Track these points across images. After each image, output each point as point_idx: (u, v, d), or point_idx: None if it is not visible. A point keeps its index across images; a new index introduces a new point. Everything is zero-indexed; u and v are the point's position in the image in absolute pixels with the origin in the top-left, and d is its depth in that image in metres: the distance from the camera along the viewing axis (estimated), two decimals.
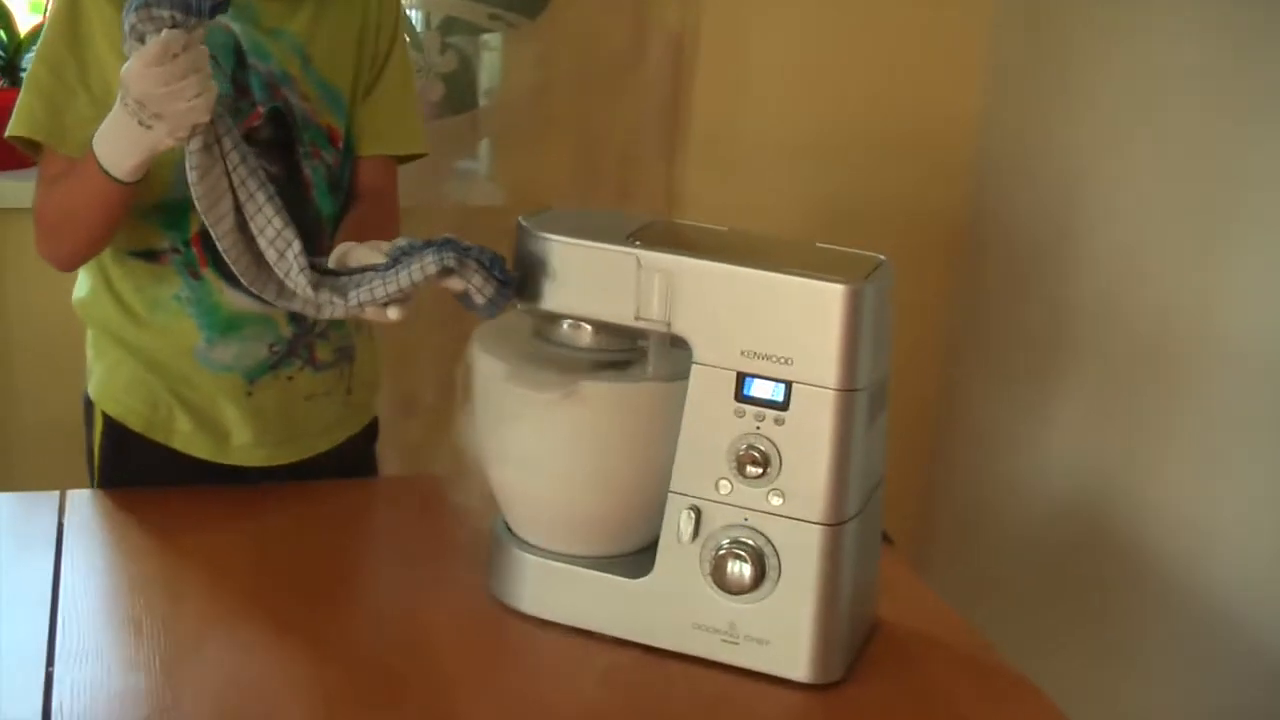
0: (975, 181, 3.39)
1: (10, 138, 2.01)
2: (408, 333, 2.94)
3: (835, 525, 1.72)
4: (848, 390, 1.70)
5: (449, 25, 3.00)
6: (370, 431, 2.36)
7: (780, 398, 1.71)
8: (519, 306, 1.85)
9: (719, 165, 3.19)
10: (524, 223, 1.83)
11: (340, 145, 2.14)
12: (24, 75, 2.06)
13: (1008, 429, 3.29)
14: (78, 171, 1.93)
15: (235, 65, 2.03)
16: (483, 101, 3.10)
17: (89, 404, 2.21)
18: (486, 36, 3.07)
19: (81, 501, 2.12)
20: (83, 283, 2.16)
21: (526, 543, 1.88)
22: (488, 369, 1.84)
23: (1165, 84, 2.82)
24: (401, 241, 1.85)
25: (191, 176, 1.77)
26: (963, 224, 3.41)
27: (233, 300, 2.09)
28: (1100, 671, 2.94)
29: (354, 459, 2.31)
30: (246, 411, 2.16)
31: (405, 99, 2.24)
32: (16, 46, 2.91)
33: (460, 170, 3.13)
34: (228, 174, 1.79)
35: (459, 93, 3.04)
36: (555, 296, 1.80)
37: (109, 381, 2.17)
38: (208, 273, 2.08)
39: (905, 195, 3.30)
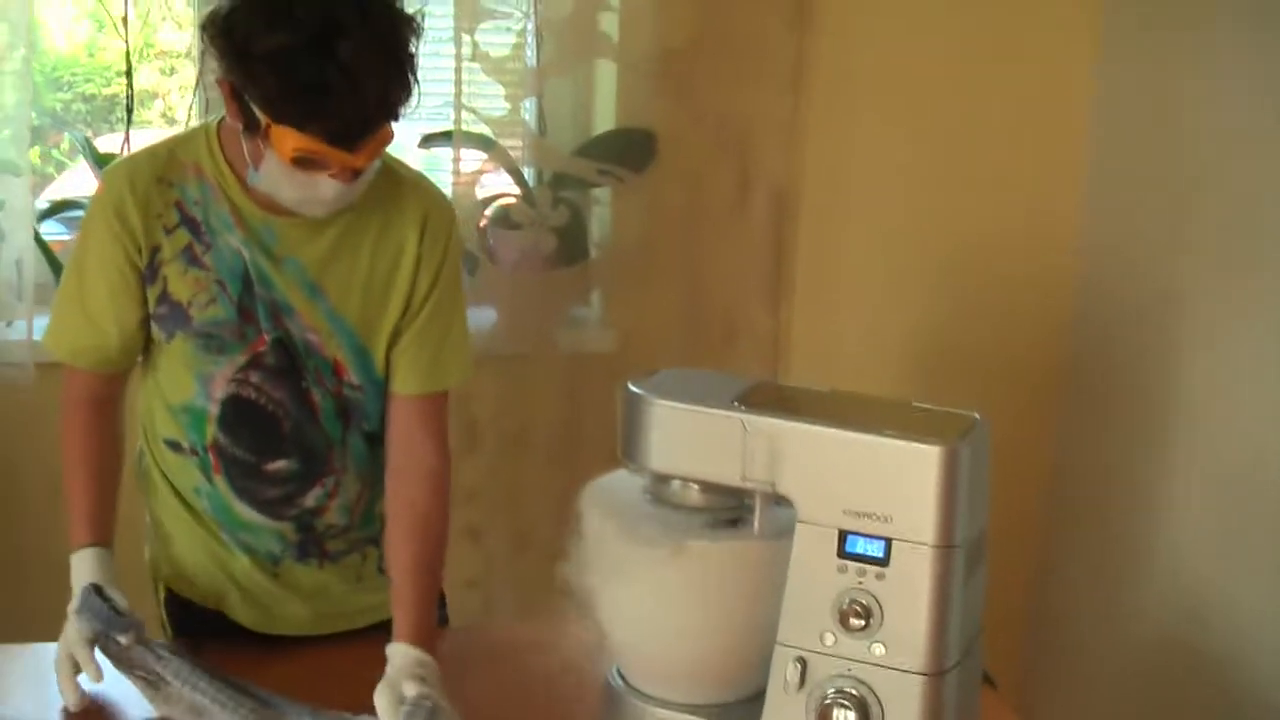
0: (1076, 322, 3.45)
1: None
2: (521, 474, 3.10)
3: (936, 675, 1.79)
4: (946, 547, 1.77)
5: (559, 181, 3.12)
6: None
7: (881, 554, 1.79)
8: (629, 466, 1.94)
9: (823, 310, 3.27)
10: (634, 387, 1.91)
11: (347, 378, 2.17)
12: None
13: (1107, 567, 3.33)
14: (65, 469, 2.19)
15: (242, 290, 2.10)
16: (593, 252, 3.21)
17: (155, 571, 2.34)
18: (596, 191, 3.19)
19: None
20: (142, 458, 2.30)
21: (640, 691, 1.96)
22: (600, 525, 1.92)
23: (1262, 222, 2.90)
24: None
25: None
26: (1063, 362, 3.47)
27: (241, 510, 2.21)
28: None
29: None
30: (283, 587, 2.26)
31: (445, 334, 2.21)
32: None
33: (571, 319, 3.23)
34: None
35: (571, 244, 3.14)
36: (664, 457, 1.89)
37: (163, 551, 2.30)
38: (219, 480, 2.19)
39: (1004, 336, 3.36)
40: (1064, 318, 3.45)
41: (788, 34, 3.11)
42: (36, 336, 2.91)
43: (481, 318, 2.64)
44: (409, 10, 1.96)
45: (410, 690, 1.97)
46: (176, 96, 3.57)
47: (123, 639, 2.04)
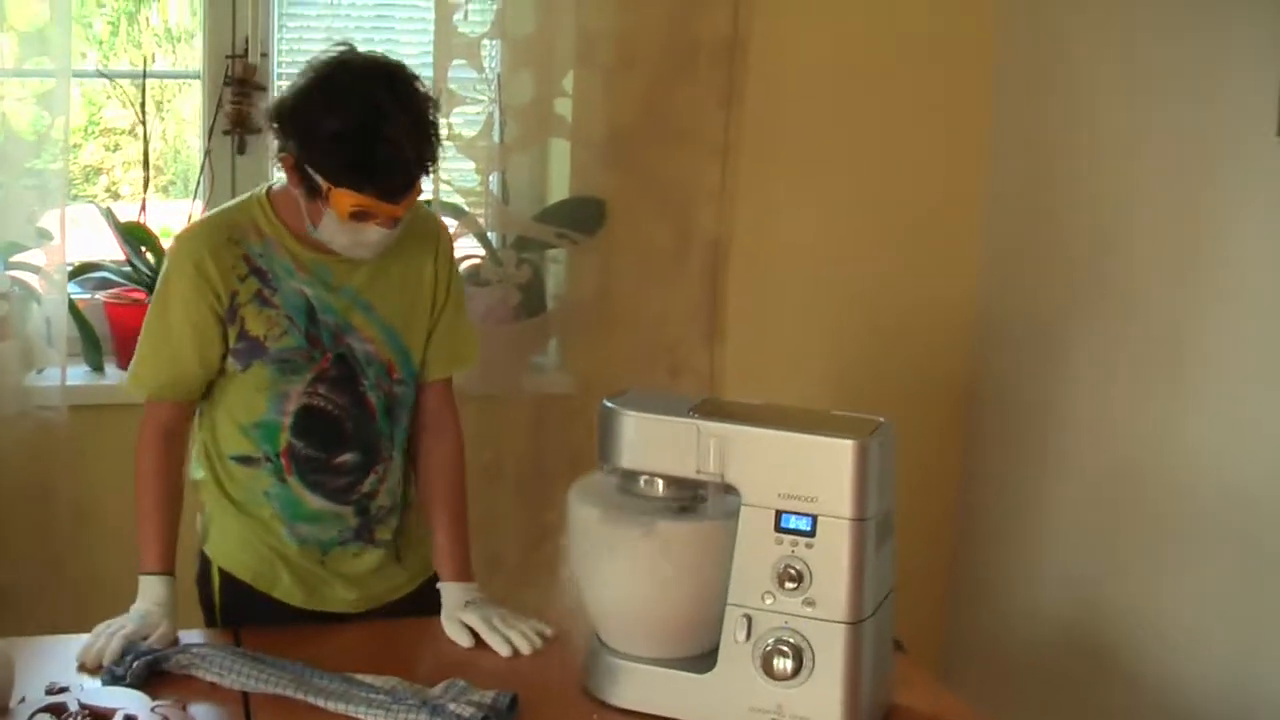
0: (973, 348, 3.75)
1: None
2: (493, 503, 3.36)
3: (855, 623, 2.19)
4: (860, 520, 2.18)
5: (521, 243, 3.40)
6: (433, 582, 2.70)
7: (809, 528, 2.19)
8: (605, 468, 2.34)
9: (751, 344, 3.55)
10: (608, 403, 2.31)
11: (396, 375, 2.59)
12: None
13: (1009, 555, 3.65)
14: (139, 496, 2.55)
15: (308, 322, 2.53)
16: (551, 305, 3.48)
17: (205, 561, 2.67)
18: (553, 251, 3.46)
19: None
20: (198, 468, 2.66)
21: (615, 650, 2.34)
22: (584, 514, 2.32)
23: (1138, 257, 3.22)
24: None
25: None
26: (966, 384, 3.76)
27: (311, 501, 2.60)
28: None
29: (424, 605, 2.67)
30: (328, 572, 2.64)
31: (459, 326, 2.68)
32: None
33: (534, 365, 3.50)
34: None
35: (532, 299, 3.41)
36: (634, 458, 2.30)
37: (223, 543, 2.65)
38: (292, 479, 2.58)
39: (913, 363, 3.65)
40: (965, 346, 3.74)
41: (718, 111, 3.41)
42: (70, 382, 3.23)
43: None
44: (429, 90, 2.45)
45: (468, 604, 2.50)
46: (120, 171, 3.78)
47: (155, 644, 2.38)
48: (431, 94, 2.46)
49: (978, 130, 3.67)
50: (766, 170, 3.54)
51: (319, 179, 2.38)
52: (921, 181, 3.65)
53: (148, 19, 3.67)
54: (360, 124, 2.33)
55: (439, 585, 2.64)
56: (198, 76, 3.46)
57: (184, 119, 3.73)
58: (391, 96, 2.36)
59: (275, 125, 2.42)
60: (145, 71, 3.42)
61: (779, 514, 2.21)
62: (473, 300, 3.29)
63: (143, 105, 3.39)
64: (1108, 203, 3.32)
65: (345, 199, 2.37)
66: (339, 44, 2.45)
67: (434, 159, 2.45)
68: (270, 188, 2.57)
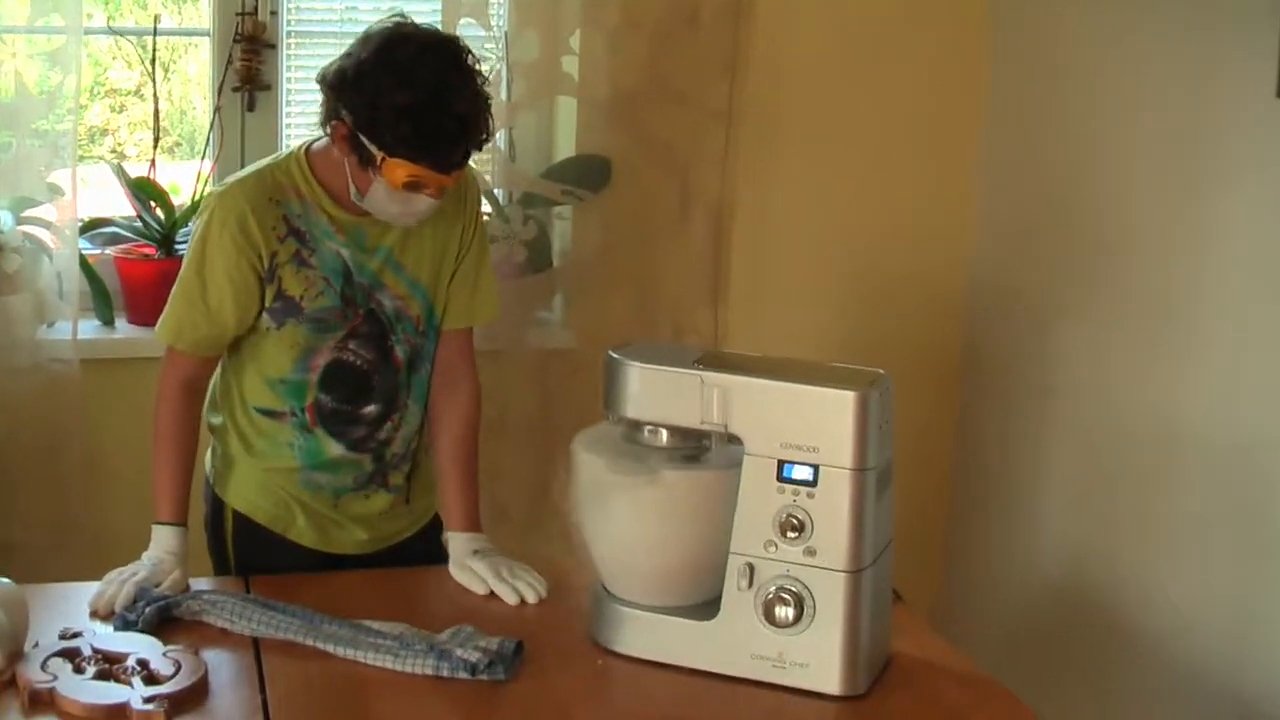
0: (970, 311, 3.78)
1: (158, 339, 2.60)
2: (498, 455, 3.42)
3: (855, 572, 2.23)
4: (861, 470, 2.22)
5: (528, 200, 3.42)
6: (435, 525, 2.78)
7: (811, 478, 2.23)
8: (610, 418, 2.38)
9: (753, 305, 3.58)
10: (614, 354, 2.35)
11: (422, 328, 2.63)
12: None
13: (1004, 513, 3.69)
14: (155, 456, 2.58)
15: (344, 283, 2.57)
16: (557, 262, 3.51)
17: (218, 504, 2.70)
18: (559, 208, 3.49)
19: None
20: (214, 413, 2.68)
21: (620, 598, 2.38)
22: (589, 463, 2.36)
23: (1134, 228, 3.24)
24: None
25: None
26: (962, 345, 3.79)
27: (333, 449, 2.65)
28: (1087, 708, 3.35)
29: (426, 548, 2.76)
30: (341, 515, 2.69)
31: (481, 277, 2.69)
32: (173, 223, 3.40)
33: (539, 320, 3.53)
34: None
35: (537, 255, 3.44)
36: (639, 408, 2.33)
37: (240, 485, 2.68)
38: (318, 430, 2.63)
39: (912, 324, 3.68)
40: (962, 308, 3.76)
41: (721, 75, 3.43)
42: (81, 336, 3.25)
43: None
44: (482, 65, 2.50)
45: (476, 552, 2.55)
46: (125, 133, 3.82)
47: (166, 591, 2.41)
48: (484, 73, 2.48)
49: (976, 96, 3.69)
50: (768, 134, 3.55)
51: (374, 149, 2.39)
52: (920, 146, 3.67)
53: None
54: (429, 98, 2.35)
55: (446, 535, 2.69)
56: (207, 34, 3.47)
57: (189, 79, 3.75)
58: (457, 71, 2.40)
59: (333, 94, 2.42)
60: (155, 29, 3.42)
61: (781, 464, 2.24)
62: None
63: (153, 62, 3.39)
64: (1105, 167, 3.33)
65: (400, 170, 2.39)
66: (393, 15, 2.48)
67: (490, 133, 2.47)
68: (309, 147, 2.58)
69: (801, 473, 2.23)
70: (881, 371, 2.32)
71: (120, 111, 3.77)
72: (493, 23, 3.36)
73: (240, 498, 2.69)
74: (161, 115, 3.48)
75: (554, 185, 3.47)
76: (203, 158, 3.42)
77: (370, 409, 2.64)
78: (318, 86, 2.46)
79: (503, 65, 3.37)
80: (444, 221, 2.61)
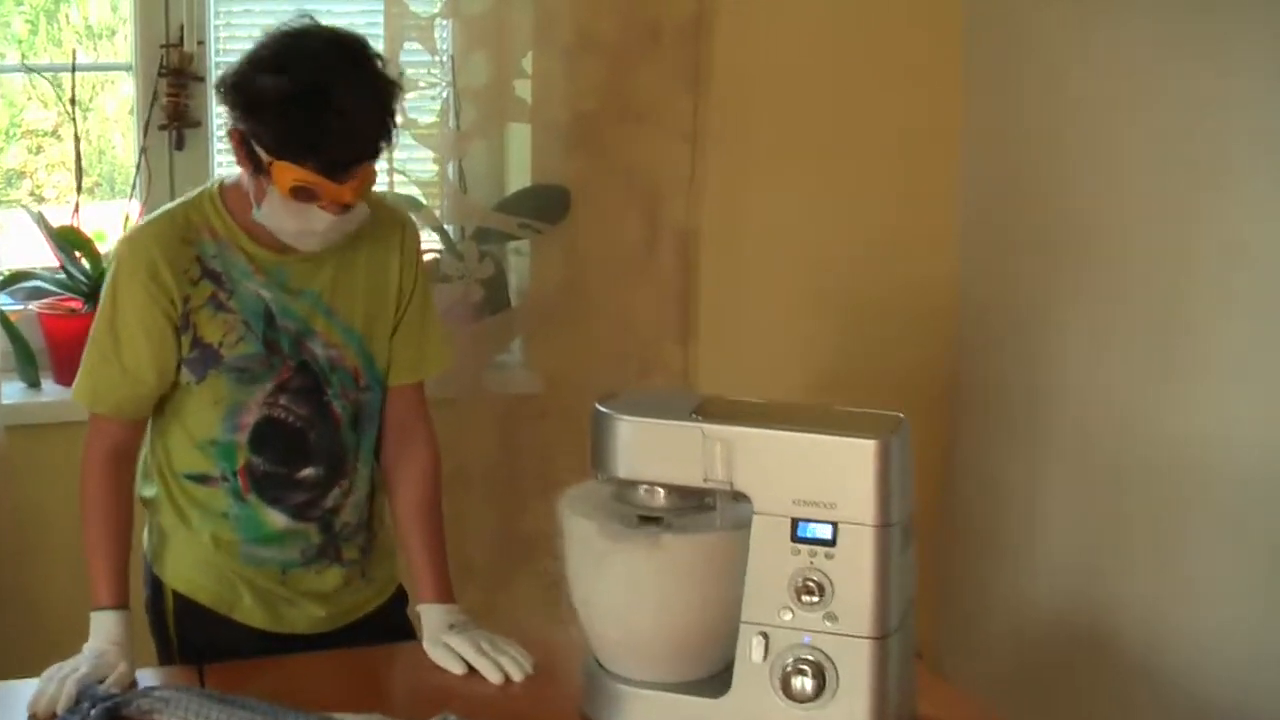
0: (956, 335, 3.67)
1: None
2: (460, 511, 3.24)
3: (881, 639, 2.05)
4: (884, 526, 2.03)
5: (482, 235, 3.27)
6: (399, 598, 2.63)
7: (829, 536, 2.04)
8: (599, 477, 2.18)
9: (726, 338, 3.44)
10: (601, 408, 2.15)
11: (363, 383, 2.47)
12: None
13: (996, 544, 3.57)
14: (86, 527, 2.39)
15: (266, 327, 2.39)
16: (515, 301, 3.36)
17: (157, 584, 2.51)
18: (516, 243, 3.35)
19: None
20: (147, 485, 2.50)
21: (617, 674, 2.18)
22: (579, 527, 2.15)
23: (1124, 235, 3.14)
24: None
25: None
26: (948, 373, 3.68)
27: (274, 519, 2.45)
28: None
29: (390, 622, 2.59)
30: (292, 591, 2.49)
31: (427, 327, 2.53)
32: (100, 273, 3.17)
33: (498, 364, 3.38)
34: None
35: (494, 294, 3.28)
36: (633, 466, 2.13)
37: (178, 563, 2.49)
38: (251, 497, 2.44)
39: (892, 356, 3.55)
40: (946, 332, 3.66)
41: (685, 93, 3.30)
42: (4, 400, 3.07)
43: None
44: (392, 74, 2.32)
45: (452, 627, 2.39)
46: (44, 174, 3.66)
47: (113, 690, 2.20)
48: (394, 78, 2.32)
49: (952, 107, 3.60)
50: (737, 156, 3.44)
51: (261, 152, 2.23)
52: (898, 163, 3.57)
53: (67, 16, 3.53)
54: (307, 88, 2.19)
55: (419, 608, 2.50)
56: (129, 69, 3.30)
57: (108, 117, 3.61)
58: (346, 64, 2.24)
59: (220, 96, 2.28)
60: (74, 65, 3.25)
61: (795, 522, 2.06)
62: None
63: (73, 101, 3.22)
64: (1092, 177, 3.24)
65: (286, 173, 2.22)
66: (300, 15, 2.31)
67: (388, 141, 2.29)
68: (223, 182, 2.42)
69: (818, 531, 2.06)
70: (900, 415, 2.15)
71: (38, 153, 3.64)
72: (438, 45, 3.22)
73: (179, 577, 2.50)
74: (81, 156, 3.35)
75: (509, 218, 3.33)
76: (130, 198, 3.25)
77: (309, 472, 2.45)
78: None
79: (450, 91, 3.24)
80: (376, 261, 2.45)
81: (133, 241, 2.39)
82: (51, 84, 3.34)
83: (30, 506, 3.11)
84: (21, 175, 3.66)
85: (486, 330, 3.31)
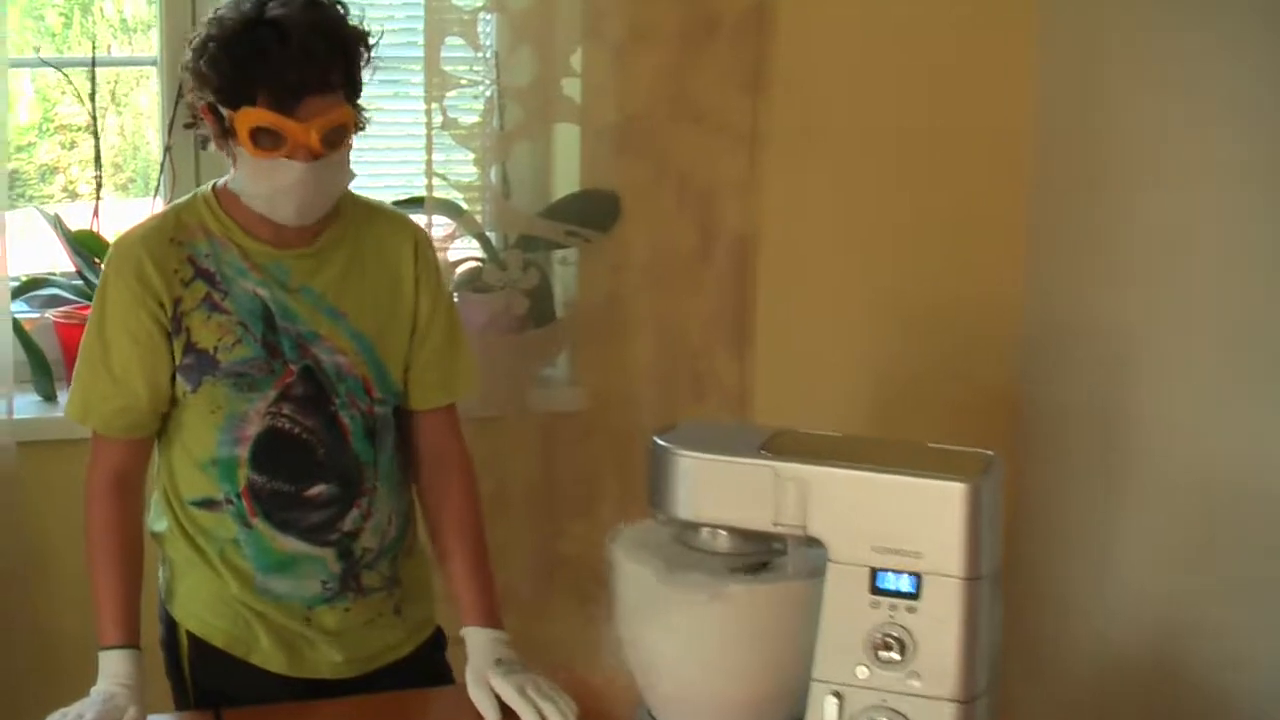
0: (1021, 354, 3.52)
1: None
2: (500, 533, 3.09)
3: (968, 701, 1.87)
4: (973, 578, 1.86)
5: (527, 243, 3.12)
6: (436, 641, 2.49)
7: (912, 588, 1.87)
8: (658, 517, 2.00)
9: (783, 353, 3.29)
10: (661, 441, 1.98)
11: (375, 394, 2.32)
12: None
13: (1068, 580, 3.40)
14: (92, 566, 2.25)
15: (265, 329, 2.24)
16: (561, 313, 3.21)
17: (171, 624, 2.37)
18: (562, 252, 3.20)
19: None
20: (158, 517, 2.35)
21: None
22: (634, 574, 1.98)
23: (1202, 253, 3.00)
24: None
25: None
26: (1010, 394, 3.52)
27: (284, 544, 2.29)
28: None
29: (426, 669, 2.45)
30: (315, 631, 2.33)
31: (454, 347, 2.42)
32: None
33: (542, 379, 3.23)
34: None
35: (539, 306, 3.14)
36: (696, 507, 1.96)
37: (191, 601, 2.34)
38: (257, 522, 2.28)
39: (956, 372, 3.40)
40: (1012, 351, 3.52)
41: (744, 92, 3.15)
42: (17, 415, 2.90)
43: None
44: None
45: (499, 663, 2.25)
46: (77, 170, 3.55)
47: None
48: (356, 22, 2.25)
49: (1024, 113, 3.43)
50: (798, 159, 3.27)
51: (222, 110, 2.16)
52: (965, 169, 3.40)
53: (101, 9, 3.42)
54: (246, 18, 2.14)
55: (463, 631, 2.35)
56: (154, 63, 3.14)
57: (141, 112, 3.51)
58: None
59: (185, 71, 2.21)
60: (94, 59, 3.08)
61: (874, 572, 1.90)
62: (473, 308, 3.08)
63: (92, 96, 3.06)
64: (1172, 190, 3.07)
65: (245, 119, 2.14)
66: None
67: (348, 80, 2.21)
68: (216, 183, 2.33)
69: (900, 582, 1.89)
70: (990, 454, 2.00)
71: (71, 148, 3.54)
72: (482, 41, 3.05)
73: (192, 616, 2.35)
74: (113, 150, 3.30)
75: (556, 225, 3.16)
76: (154, 197, 3.08)
77: (319, 490, 2.29)
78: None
79: (493, 90, 3.07)
80: (386, 261, 2.35)
81: (119, 246, 2.28)
82: (86, 78, 3.21)
83: (43, 528, 2.94)
84: (54, 170, 3.57)
85: (530, 344, 3.16)
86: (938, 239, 3.40)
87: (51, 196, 3.48)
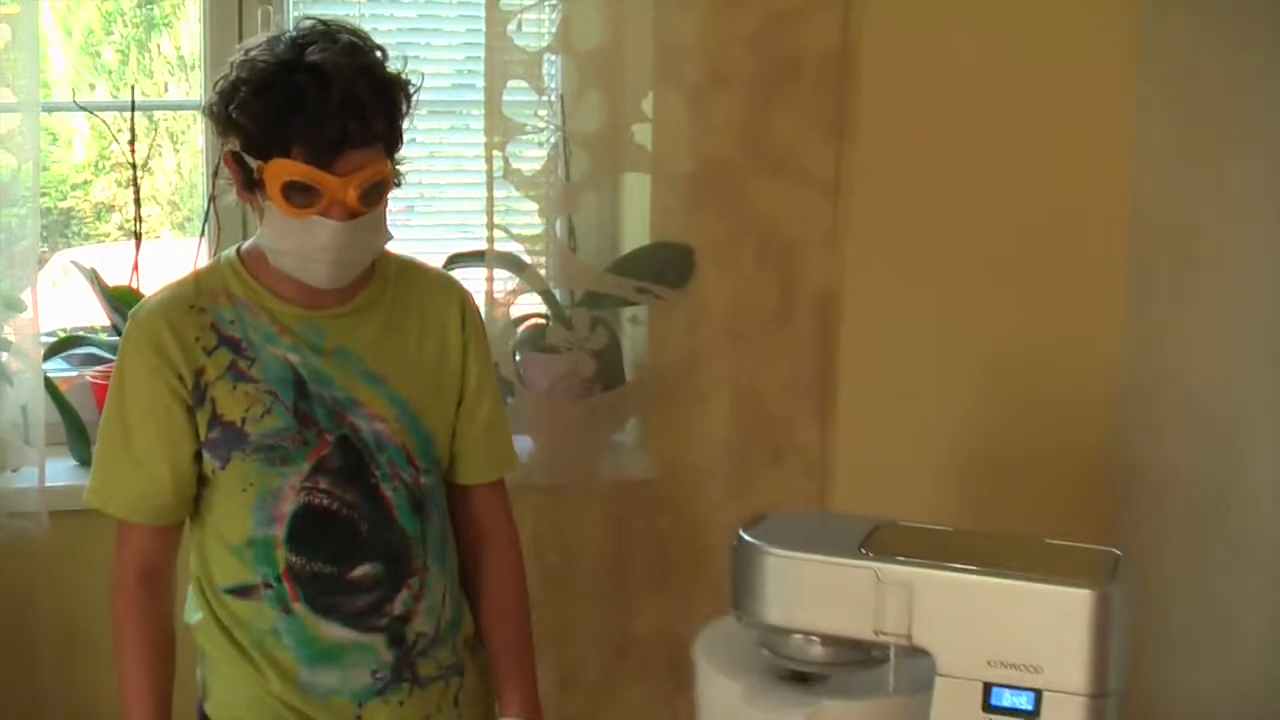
0: (1118, 423, 3.35)
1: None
2: (565, 610, 2.95)
3: None
4: (1099, 696, 1.67)
5: (594, 300, 2.98)
6: None
7: (1030, 706, 1.69)
8: (742, 619, 1.82)
9: (868, 419, 3.15)
10: (747, 537, 1.80)
11: (420, 465, 2.16)
12: None
13: (1176, 663, 3.20)
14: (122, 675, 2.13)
15: (296, 397, 2.08)
16: (631, 375, 3.08)
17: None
18: (632, 310, 3.07)
19: None
20: (193, 608, 2.19)
21: None
22: (719, 687, 1.81)
23: None
24: None
25: None
26: (1112, 466, 3.36)
27: (328, 631, 2.11)
28: None
29: None
30: None
31: (499, 419, 2.30)
32: None
33: (611, 445, 3.10)
34: None
35: (608, 368, 3.00)
36: (785, 610, 1.78)
37: (228, 701, 2.17)
38: (299, 607, 2.10)
39: (1050, 434, 3.25)
40: (1109, 410, 3.36)
41: (827, 141, 3.00)
42: (49, 483, 2.76)
43: (517, 447, 2.56)
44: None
45: None
46: (133, 209, 3.40)
47: None
48: (377, 45, 2.09)
49: (1123, 158, 3.25)
50: (884, 211, 3.10)
51: (251, 160, 2.01)
52: (1060, 222, 3.22)
53: (159, 46, 3.39)
54: (285, 61, 1.98)
55: None
56: (197, 107, 2.97)
57: (200, 149, 3.40)
58: (326, 39, 2.01)
59: (208, 116, 2.07)
60: (134, 103, 2.93)
61: (988, 687, 1.72)
62: (537, 370, 2.95)
63: (132, 142, 2.91)
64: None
65: (277, 172, 1.98)
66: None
67: (390, 132, 2.05)
68: (241, 247, 2.19)
69: (1017, 700, 1.71)
70: (1117, 552, 1.82)
71: (127, 186, 3.42)
72: (546, 84, 2.92)
73: (228, 716, 2.17)
74: (170, 189, 3.27)
75: (625, 281, 3.01)
76: (200, 240, 2.96)
77: (364, 570, 2.12)
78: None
79: (559, 136, 2.94)
80: (432, 332, 2.20)
81: (137, 315, 2.13)
82: (143, 116, 3.08)
83: (78, 602, 2.79)
84: (111, 209, 3.53)
85: (599, 408, 3.00)
86: (1033, 294, 3.24)
87: (108, 235, 3.47)
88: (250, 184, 2.02)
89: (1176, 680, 3.19)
